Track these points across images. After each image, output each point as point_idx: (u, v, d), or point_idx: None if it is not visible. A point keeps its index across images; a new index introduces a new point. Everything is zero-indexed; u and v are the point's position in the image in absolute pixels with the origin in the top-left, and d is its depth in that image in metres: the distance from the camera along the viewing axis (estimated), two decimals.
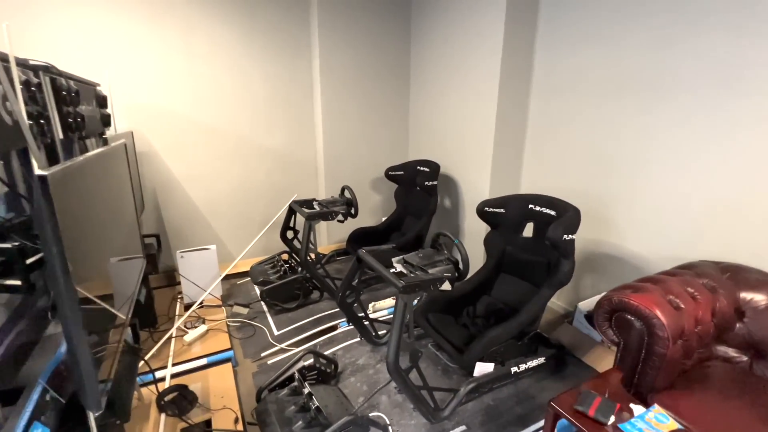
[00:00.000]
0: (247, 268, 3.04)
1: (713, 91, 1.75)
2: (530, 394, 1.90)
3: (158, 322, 2.36)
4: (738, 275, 1.61)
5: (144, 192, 2.82)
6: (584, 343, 2.20)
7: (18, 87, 0.94)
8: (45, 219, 0.73)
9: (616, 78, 2.13)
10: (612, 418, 1.21)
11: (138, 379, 1.63)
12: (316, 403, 1.56)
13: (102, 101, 1.81)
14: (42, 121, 1.10)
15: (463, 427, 1.70)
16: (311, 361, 1.91)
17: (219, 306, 2.63)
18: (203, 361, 2.04)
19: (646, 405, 1.28)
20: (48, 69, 1.19)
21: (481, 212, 2.30)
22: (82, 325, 0.82)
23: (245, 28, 2.93)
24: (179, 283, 2.69)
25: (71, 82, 1.33)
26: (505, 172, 2.80)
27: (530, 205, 2.09)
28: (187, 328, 2.31)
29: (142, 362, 1.62)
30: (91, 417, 0.98)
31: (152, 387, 1.69)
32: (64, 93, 1.25)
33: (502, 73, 2.54)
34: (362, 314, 2.22)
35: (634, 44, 2.02)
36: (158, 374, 1.82)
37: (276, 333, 2.41)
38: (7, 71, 0.92)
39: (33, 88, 1.07)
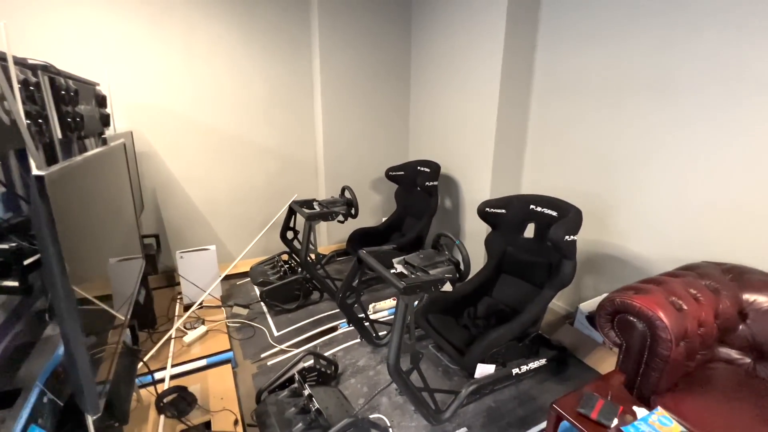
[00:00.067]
0: (247, 269, 3.03)
1: (715, 92, 1.74)
2: (531, 396, 1.89)
3: (157, 323, 2.35)
4: (741, 276, 1.60)
5: (143, 192, 2.81)
6: (585, 344, 2.19)
7: (16, 86, 0.93)
8: (42, 219, 0.72)
9: (618, 78, 2.12)
10: (615, 421, 1.20)
11: (137, 380, 1.62)
12: (317, 405, 1.55)
13: (101, 101, 1.80)
14: (40, 121, 1.09)
15: (464, 429, 1.69)
16: (311, 362, 1.90)
17: (219, 307, 2.62)
18: (203, 362, 2.02)
19: (649, 407, 1.27)
20: (47, 68, 1.18)
21: (482, 213, 2.29)
22: (80, 327, 0.81)
23: (245, 28, 2.93)
24: (179, 284, 2.68)
25: (70, 82, 1.32)
26: (506, 173, 2.80)
27: (531, 206, 2.08)
28: (187, 329, 2.30)
29: (141, 363, 1.61)
30: (89, 420, 0.97)
31: (151, 388, 1.68)
32: (63, 92, 1.24)
33: (503, 72, 2.53)
34: (362, 315, 2.21)
35: (635, 45, 2.01)
36: (157, 375, 1.81)
37: (276, 334, 2.40)
38: (5, 70, 0.91)
39: (31, 88, 1.06)
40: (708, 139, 1.80)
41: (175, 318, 2.45)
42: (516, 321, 1.87)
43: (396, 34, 3.40)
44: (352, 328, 2.38)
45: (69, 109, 1.29)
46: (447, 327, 2.05)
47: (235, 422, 1.63)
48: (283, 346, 2.27)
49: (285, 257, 3.12)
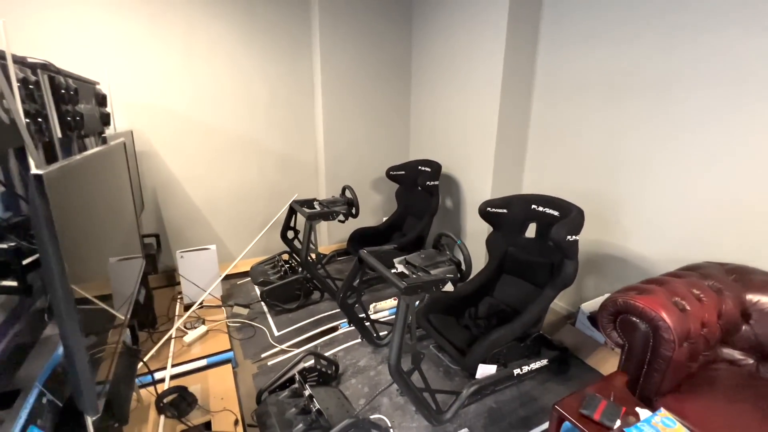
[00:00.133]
0: (248, 269, 3.03)
1: (719, 92, 1.73)
2: (533, 397, 1.89)
3: (158, 323, 2.35)
4: (744, 277, 1.59)
5: (144, 191, 2.80)
6: (587, 344, 2.19)
7: (15, 85, 0.93)
8: (40, 219, 0.72)
9: (620, 79, 2.11)
10: (618, 422, 1.19)
11: (137, 380, 1.61)
12: (317, 405, 1.54)
13: (101, 100, 1.80)
14: (40, 120, 1.08)
15: (466, 430, 1.68)
16: (312, 362, 1.90)
17: (219, 306, 2.61)
18: (203, 362, 2.02)
19: (652, 408, 1.26)
20: (46, 67, 1.18)
21: (483, 212, 2.28)
22: (79, 327, 0.81)
23: (246, 28, 2.92)
24: (179, 284, 2.67)
25: (70, 80, 1.32)
26: (508, 172, 2.79)
27: (533, 206, 2.07)
28: (187, 329, 2.29)
29: (141, 363, 1.60)
30: (89, 420, 0.96)
31: (151, 388, 1.68)
32: (62, 91, 1.24)
33: (504, 72, 2.52)
34: (363, 315, 2.20)
35: (638, 46, 2.00)
36: (157, 375, 1.81)
37: (276, 334, 2.40)
38: (4, 69, 0.91)
39: (31, 86, 1.06)
40: (711, 140, 1.79)
41: (176, 318, 2.44)
42: (517, 321, 1.86)
43: (397, 33, 3.39)
44: (353, 328, 2.38)
45: (69, 108, 1.28)
46: (448, 327, 2.05)
47: (236, 422, 1.63)
48: (283, 346, 2.26)
49: (285, 257, 3.11)
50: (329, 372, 1.92)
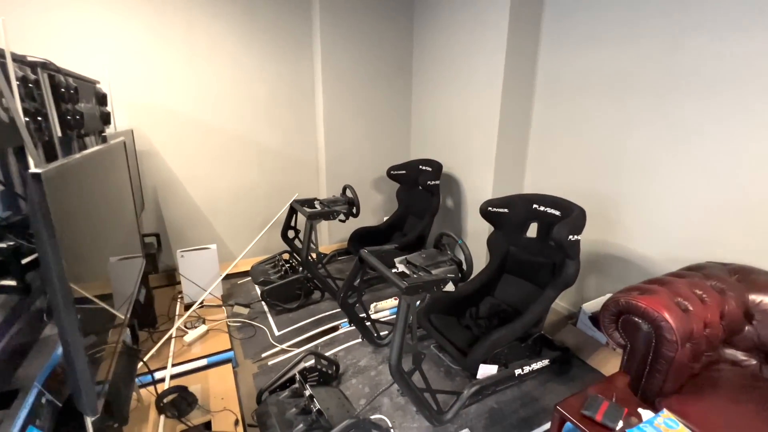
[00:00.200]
0: (248, 268, 3.02)
1: (722, 93, 1.72)
2: (534, 397, 1.88)
3: (158, 322, 2.34)
4: (747, 277, 1.58)
5: (144, 191, 2.80)
6: (589, 345, 2.18)
7: (14, 83, 0.92)
8: (39, 218, 0.71)
9: (623, 79, 2.10)
10: (620, 423, 1.18)
11: (137, 380, 1.61)
12: (318, 406, 1.53)
13: (102, 99, 1.79)
14: (39, 119, 1.08)
15: (467, 430, 1.68)
16: (312, 362, 1.89)
17: (219, 306, 2.61)
18: (203, 362, 2.02)
19: (654, 409, 1.26)
20: (46, 65, 1.17)
21: (485, 212, 2.27)
22: (78, 327, 0.80)
23: (247, 27, 2.92)
24: (179, 283, 2.67)
25: (70, 79, 1.31)
26: (509, 172, 2.78)
27: (534, 205, 2.06)
28: (187, 329, 2.29)
29: (141, 363, 1.60)
30: (88, 421, 0.96)
31: (151, 388, 1.68)
32: (62, 90, 1.23)
33: (506, 72, 2.51)
34: (364, 315, 2.19)
35: (640, 46, 1.99)
36: (157, 375, 1.80)
37: (277, 333, 2.39)
38: (4, 67, 0.90)
39: (30, 85, 1.05)
40: (714, 139, 1.78)
41: (176, 317, 2.44)
42: (518, 321, 1.85)
43: (398, 33, 3.38)
44: (354, 327, 2.37)
45: (69, 106, 1.28)
46: (449, 327, 2.04)
47: (236, 422, 1.62)
48: (284, 346, 2.26)
49: (286, 256, 3.11)
50: (330, 372, 1.91)
